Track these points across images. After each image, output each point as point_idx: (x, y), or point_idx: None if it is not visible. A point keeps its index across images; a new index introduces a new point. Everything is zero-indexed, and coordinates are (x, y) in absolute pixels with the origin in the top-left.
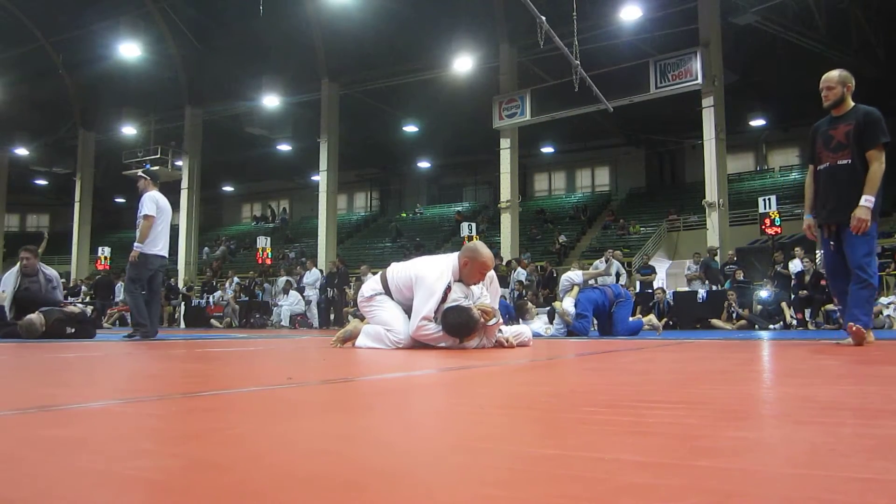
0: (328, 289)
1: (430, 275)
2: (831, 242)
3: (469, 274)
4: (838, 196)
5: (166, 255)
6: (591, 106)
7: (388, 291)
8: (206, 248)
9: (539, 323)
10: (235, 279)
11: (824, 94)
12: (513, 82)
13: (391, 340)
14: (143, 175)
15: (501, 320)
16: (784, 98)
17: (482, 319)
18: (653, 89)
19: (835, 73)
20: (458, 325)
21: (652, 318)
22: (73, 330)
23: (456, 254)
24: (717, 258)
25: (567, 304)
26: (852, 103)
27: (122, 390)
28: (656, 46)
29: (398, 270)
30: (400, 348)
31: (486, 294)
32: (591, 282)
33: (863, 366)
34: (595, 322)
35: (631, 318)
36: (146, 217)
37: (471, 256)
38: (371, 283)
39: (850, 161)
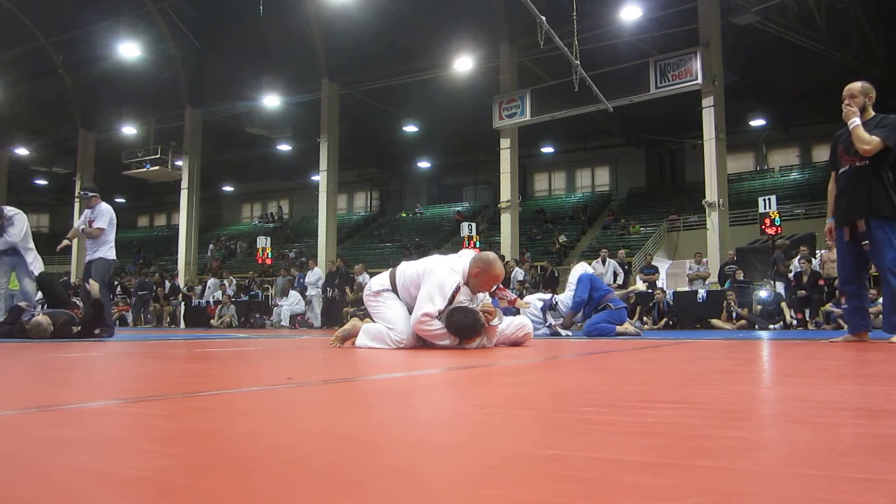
0: (327, 288)
1: (440, 271)
2: (864, 242)
3: (478, 283)
4: (856, 195)
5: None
6: (591, 106)
7: (395, 289)
8: (211, 246)
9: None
10: (234, 279)
11: (846, 103)
12: (513, 82)
13: (393, 340)
14: (94, 194)
15: (503, 319)
16: (784, 98)
17: (486, 322)
18: (653, 89)
19: (857, 84)
20: (463, 326)
21: (628, 326)
22: (77, 329)
23: (468, 258)
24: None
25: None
26: (873, 113)
27: (122, 390)
28: (656, 46)
29: (407, 267)
30: (401, 348)
31: (488, 297)
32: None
33: (863, 366)
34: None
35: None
36: (101, 229)
37: (483, 268)
38: (380, 279)
39: (868, 163)
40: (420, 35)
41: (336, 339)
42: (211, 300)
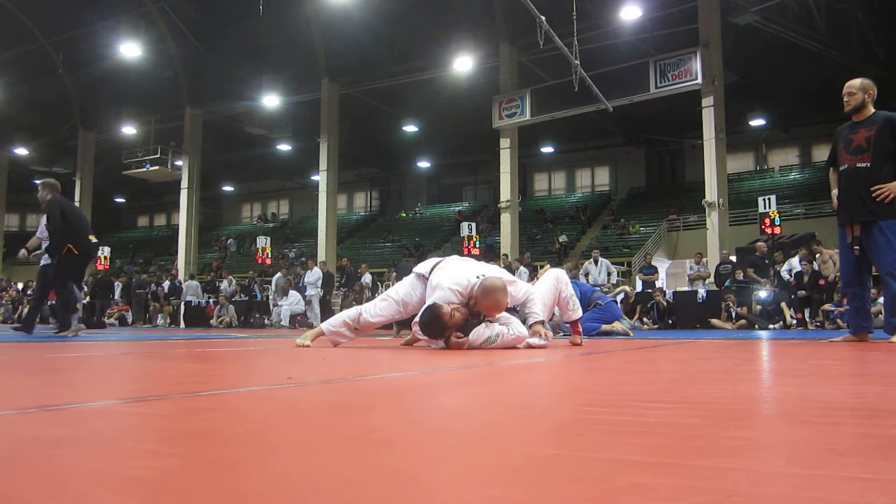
0: (322, 290)
1: (439, 293)
2: (855, 247)
3: (481, 307)
4: (859, 196)
5: None
6: (591, 106)
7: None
8: (230, 241)
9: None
10: (233, 280)
11: (845, 100)
12: (513, 82)
13: (349, 316)
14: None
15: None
16: (784, 98)
17: (453, 317)
18: (653, 89)
19: (857, 81)
20: (426, 324)
21: (616, 325)
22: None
23: (486, 275)
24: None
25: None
26: (873, 109)
27: (122, 390)
28: (656, 46)
29: (444, 269)
30: (352, 329)
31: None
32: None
33: (863, 366)
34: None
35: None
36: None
37: (478, 295)
38: (426, 266)
39: (868, 164)
40: (420, 35)
41: (305, 338)
42: (194, 300)
